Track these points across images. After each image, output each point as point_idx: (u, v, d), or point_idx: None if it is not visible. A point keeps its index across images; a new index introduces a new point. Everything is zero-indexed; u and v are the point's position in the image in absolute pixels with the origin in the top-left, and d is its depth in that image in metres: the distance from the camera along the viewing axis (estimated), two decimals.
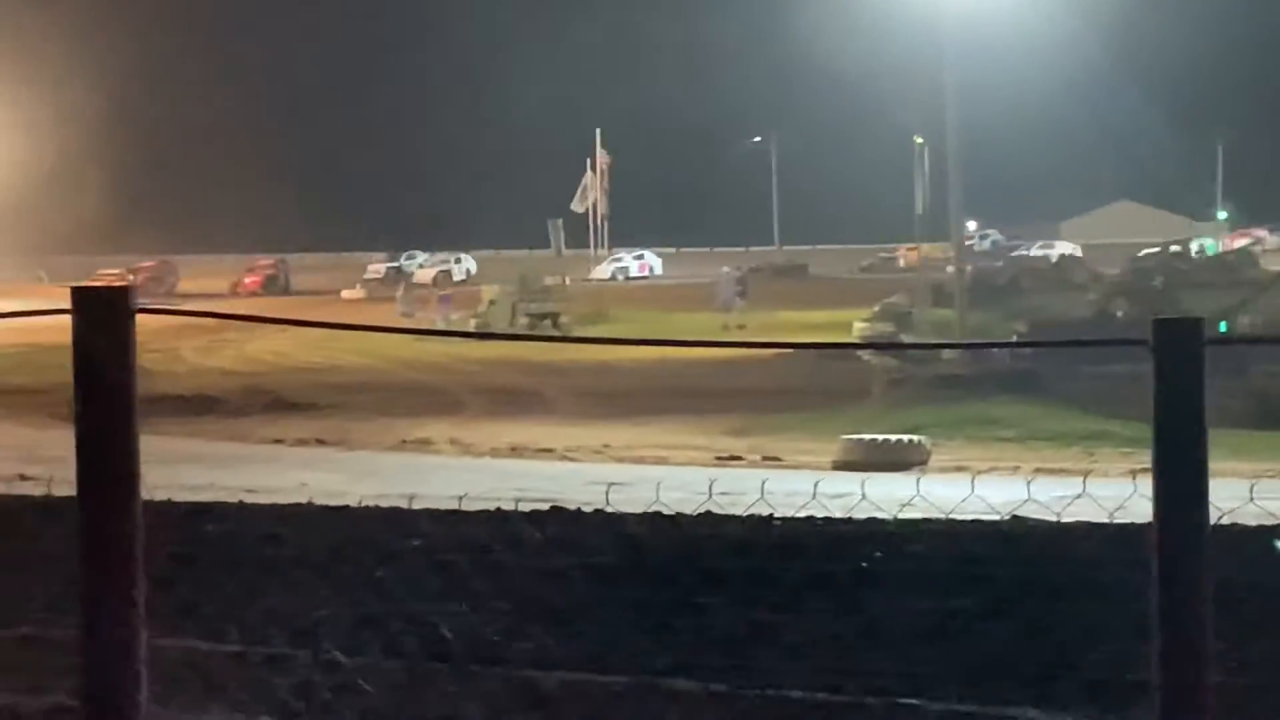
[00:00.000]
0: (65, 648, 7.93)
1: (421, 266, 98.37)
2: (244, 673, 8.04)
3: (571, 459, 33.14)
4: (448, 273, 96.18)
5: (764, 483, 12.94)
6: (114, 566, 3.22)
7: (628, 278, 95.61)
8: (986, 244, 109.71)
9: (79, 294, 3.30)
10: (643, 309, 69.87)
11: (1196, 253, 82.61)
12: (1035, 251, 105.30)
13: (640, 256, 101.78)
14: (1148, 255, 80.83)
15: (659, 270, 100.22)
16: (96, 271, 79.40)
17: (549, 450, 34.16)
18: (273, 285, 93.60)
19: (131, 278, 77.95)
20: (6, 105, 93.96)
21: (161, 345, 50.13)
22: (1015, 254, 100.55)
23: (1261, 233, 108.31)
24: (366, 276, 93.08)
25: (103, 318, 3.28)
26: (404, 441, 35.77)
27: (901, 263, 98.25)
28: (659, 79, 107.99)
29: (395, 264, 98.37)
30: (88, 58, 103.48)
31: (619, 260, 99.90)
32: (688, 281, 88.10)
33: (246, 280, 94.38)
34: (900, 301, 64.65)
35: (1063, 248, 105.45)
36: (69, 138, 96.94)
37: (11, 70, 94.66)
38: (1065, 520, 11.29)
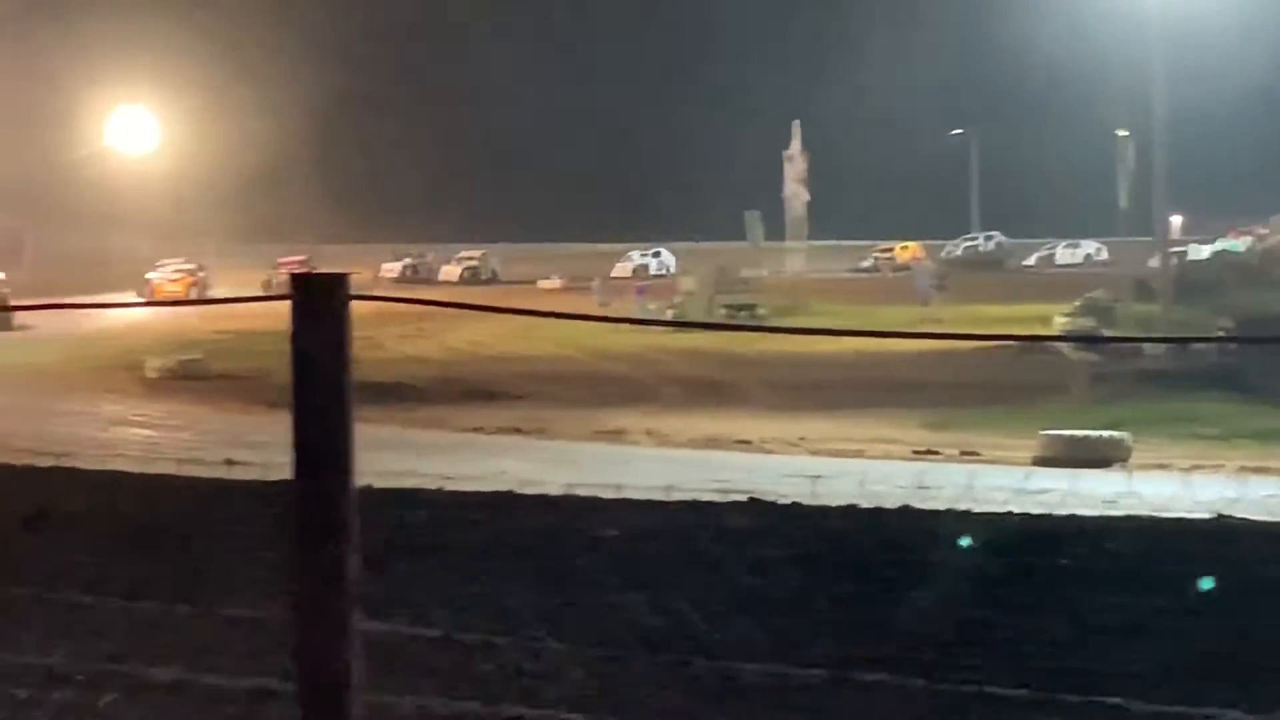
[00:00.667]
0: (273, 629, 8.08)
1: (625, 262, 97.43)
2: (449, 657, 8.12)
3: (768, 451, 33.09)
4: (645, 265, 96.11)
5: (966, 478, 12.84)
6: (328, 550, 3.27)
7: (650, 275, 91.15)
8: (991, 244, 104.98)
9: (297, 281, 3.35)
10: (840, 302, 69.48)
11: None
12: (1061, 251, 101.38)
13: (658, 254, 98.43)
14: None
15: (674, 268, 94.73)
16: (278, 261, 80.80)
17: (745, 442, 34.15)
18: (475, 276, 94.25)
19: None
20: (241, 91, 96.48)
21: (362, 333, 50.54)
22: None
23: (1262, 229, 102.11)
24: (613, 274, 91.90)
25: (320, 305, 3.33)
26: (600, 431, 35.97)
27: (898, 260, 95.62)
28: (859, 71, 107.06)
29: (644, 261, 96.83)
30: (311, 53, 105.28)
31: (631, 259, 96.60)
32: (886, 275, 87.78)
33: (445, 270, 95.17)
34: (1102, 296, 63.66)
35: (1088, 246, 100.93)
36: (287, 129, 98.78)
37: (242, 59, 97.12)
38: (1273, 520, 11.07)
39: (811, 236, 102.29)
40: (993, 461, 30.18)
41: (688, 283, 72.37)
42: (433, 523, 11.80)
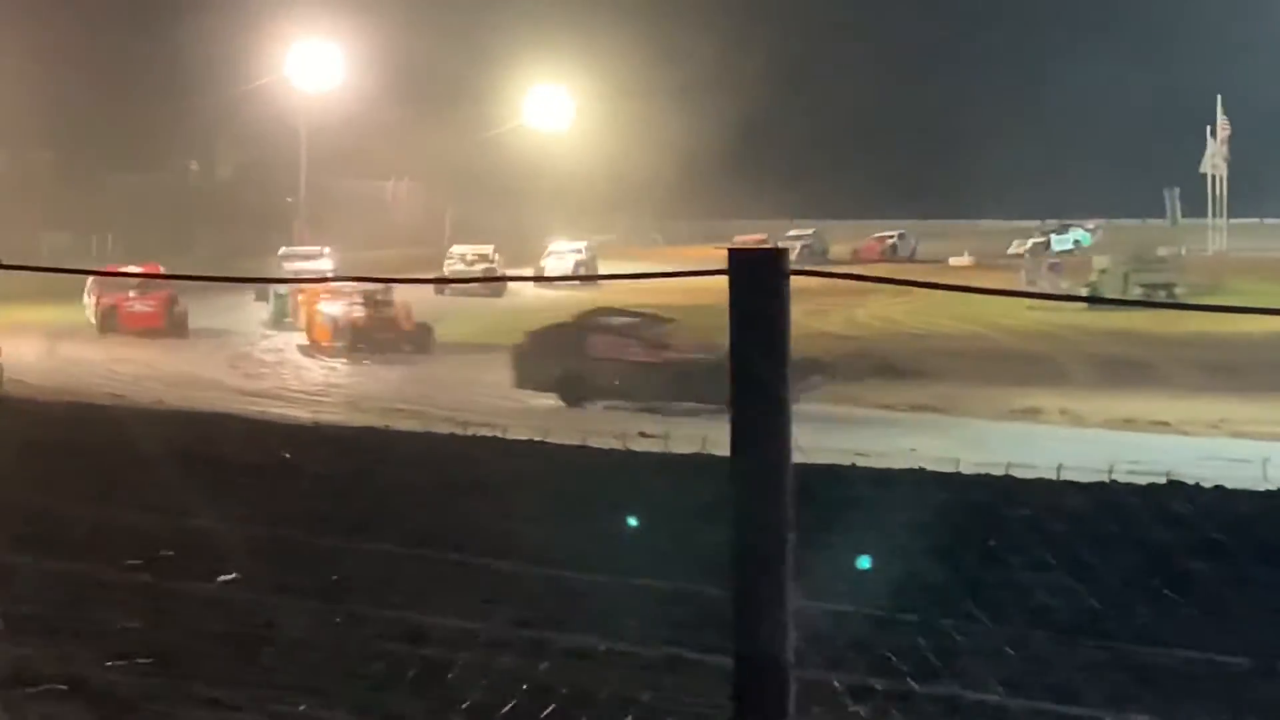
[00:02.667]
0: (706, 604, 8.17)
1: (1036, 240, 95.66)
2: (854, 632, 8.10)
3: (1186, 433, 32.20)
4: (1044, 243, 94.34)
5: None
6: (766, 528, 3.26)
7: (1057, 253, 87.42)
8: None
9: (736, 256, 3.35)
10: (1264, 281, 67.01)
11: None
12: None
13: (1065, 230, 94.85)
14: None
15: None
16: (735, 238, 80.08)
17: (1163, 423, 33.27)
18: (895, 252, 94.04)
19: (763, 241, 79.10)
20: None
21: None
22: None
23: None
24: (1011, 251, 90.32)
25: (760, 280, 3.32)
26: (1014, 410, 35.49)
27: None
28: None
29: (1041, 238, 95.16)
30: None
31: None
32: None
33: (863, 247, 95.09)
34: None
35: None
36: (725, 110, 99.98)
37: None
38: None
39: (1232, 215, 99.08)
40: None
41: (1101, 260, 70.78)
42: (845, 500, 11.78)
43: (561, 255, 77.70)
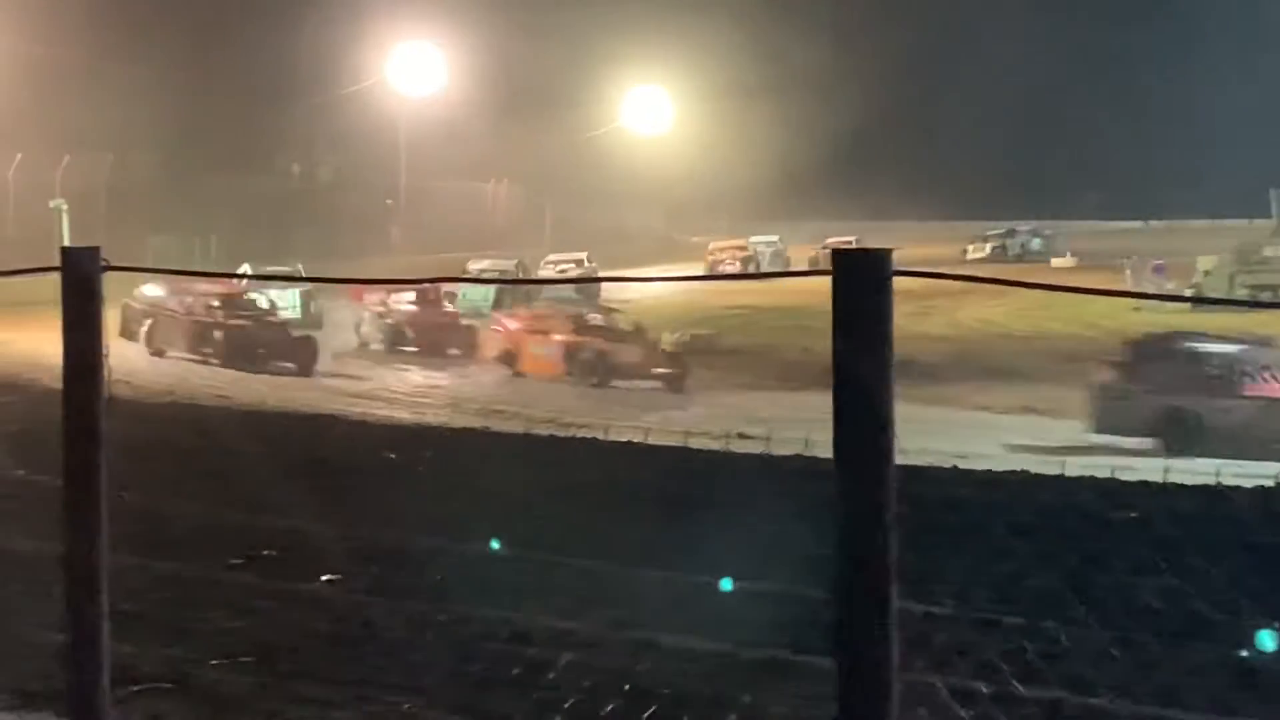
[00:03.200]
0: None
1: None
2: (957, 635, 8.06)
3: None
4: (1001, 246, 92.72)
5: None
6: (869, 530, 3.24)
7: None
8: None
9: (840, 258, 3.34)
10: None
11: None
12: None
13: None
14: None
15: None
16: (826, 240, 79.53)
17: None
18: (1004, 252, 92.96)
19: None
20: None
21: None
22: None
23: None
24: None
25: (865, 281, 3.30)
26: None
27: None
28: None
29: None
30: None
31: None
32: None
33: (970, 248, 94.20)
34: None
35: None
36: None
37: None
38: None
39: None
40: None
41: (1207, 261, 70.03)
42: (947, 502, 11.74)
43: (557, 266, 74.13)
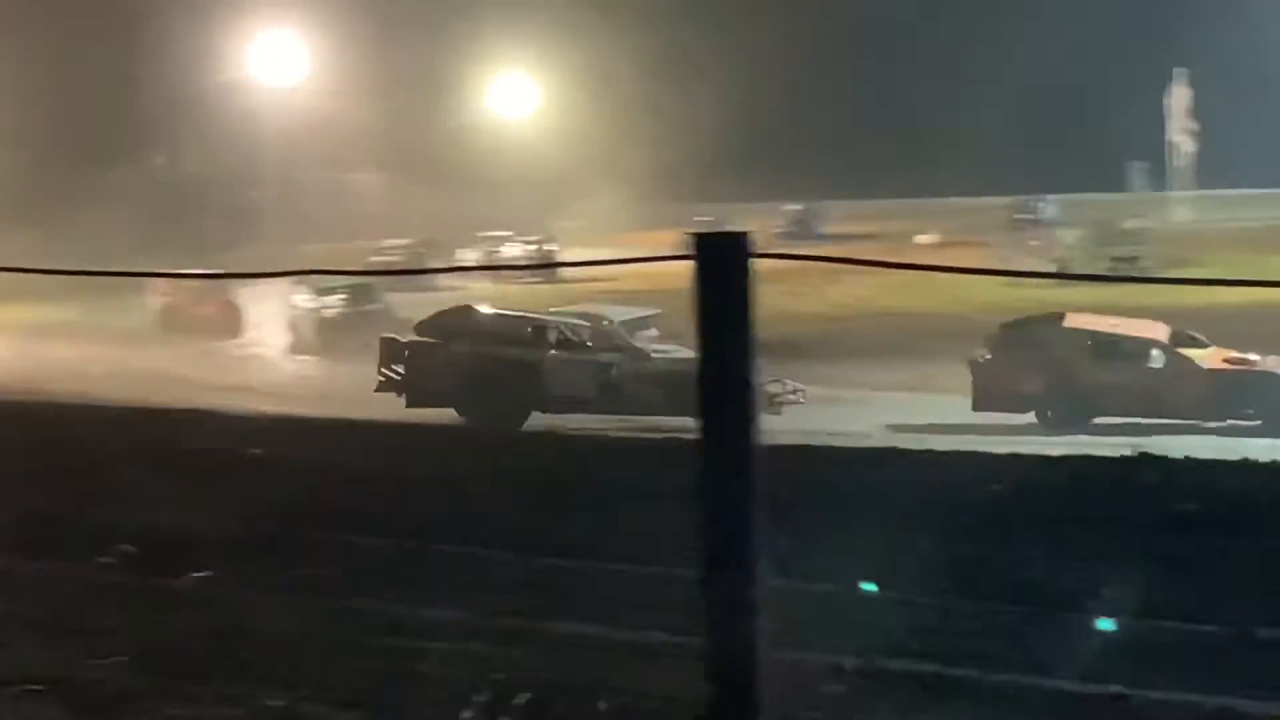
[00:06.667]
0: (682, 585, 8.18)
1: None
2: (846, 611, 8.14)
3: None
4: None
5: None
6: (734, 505, 3.28)
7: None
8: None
9: (699, 240, 3.37)
10: (1230, 253, 67.06)
11: None
12: None
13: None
14: None
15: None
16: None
17: None
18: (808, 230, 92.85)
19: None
20: None
21: None
22: None
23: None
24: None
25: (722, 263, 3.34)
26: None
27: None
28: (1245, 16, 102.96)
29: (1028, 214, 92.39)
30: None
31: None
32: None
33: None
34: None
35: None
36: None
37: None
38: None
39: (1199, 187, 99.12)
40: None
41: (1068, 235, 70.85)
42: (812, 478, 11.82)
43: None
